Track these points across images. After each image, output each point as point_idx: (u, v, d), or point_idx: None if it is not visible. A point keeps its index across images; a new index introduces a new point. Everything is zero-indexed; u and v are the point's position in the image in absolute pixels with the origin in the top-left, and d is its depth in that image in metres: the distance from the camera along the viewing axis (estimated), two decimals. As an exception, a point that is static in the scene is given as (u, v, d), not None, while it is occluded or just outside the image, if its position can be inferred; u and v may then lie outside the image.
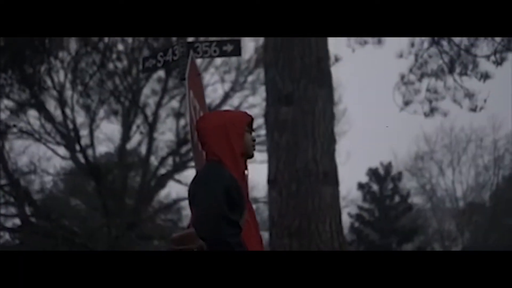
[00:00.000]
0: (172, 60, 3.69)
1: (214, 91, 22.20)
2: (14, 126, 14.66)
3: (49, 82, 17.07)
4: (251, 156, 3.42)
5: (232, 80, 20.87)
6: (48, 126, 19.37)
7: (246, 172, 3.36)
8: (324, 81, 7.54)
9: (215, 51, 3.75)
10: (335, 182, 7.42)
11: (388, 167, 27.35)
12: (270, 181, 7.42)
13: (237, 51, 3.82)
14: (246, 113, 3.44)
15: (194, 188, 3.20)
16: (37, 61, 13.25)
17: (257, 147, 3.53)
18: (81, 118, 19.50)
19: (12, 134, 16.42)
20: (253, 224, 3.34)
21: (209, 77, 20.55)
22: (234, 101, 21.06)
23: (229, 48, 3.76)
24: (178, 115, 20.51)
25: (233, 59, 19.63)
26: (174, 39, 3.74)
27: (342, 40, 13.33)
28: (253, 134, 3.42)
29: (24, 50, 12.59)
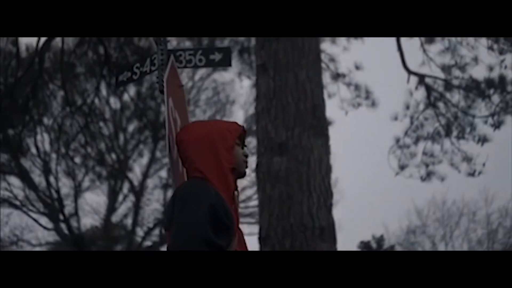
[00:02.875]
0: (150, 70, 3.14)
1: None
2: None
3: (32, 147, 16.59)
4: (243, 174, 2.81)
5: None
6: (29, 193, 18.78)
7: (236, 193, 2.77)
8: (320, 129, 7.02)
9: (200, 60, 3.20)
10: (333, 239, 6.80)
11: (380, 241, 26.69)
12: (262, 238, 6.78)
13: (226, 61, 3.27)
14: (237, 123, 2.86)
15: (170, 207, 2.60)
16: (18, 122, 12.72)
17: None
18: (66, 188, 18.96)
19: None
20: (244, 256, 2.72)
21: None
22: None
23: (217, 57, 3.22)
24: (165, 186, 19.99)
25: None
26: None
27: (335, 102, 12.97)
28: (245, 149, 2.84)
29: (4, 111, 12.07)
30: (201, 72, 20.53)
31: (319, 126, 7.03)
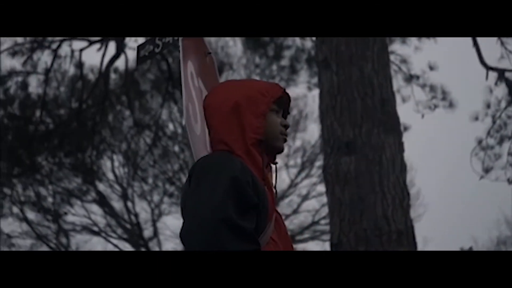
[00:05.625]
0: (173, 40, 2.71)
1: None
2: (65, 213, 13.94)
3: (106, 171, 16.53)
4: (278, 149, 2.29)
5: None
6: (108, 218, 18.75)
7: (270, 170, 2.28)
8: (391, 125, 6.45)
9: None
10: (412, 243, 6.19)
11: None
12: (334, 245, 6.25)
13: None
14: (277, 85, 2.32)
15: (186, 186, 2.14)
16: (87, 145, 12.62)
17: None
18: (144, 213, 18.80)
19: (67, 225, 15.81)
20: (285, 248, 2.22)
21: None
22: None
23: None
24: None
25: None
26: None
27: (410, 105, 12.33)
28: (284, 119, 2.35)
29: (73, 134, 11.98)
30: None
31: (390, 122, 6.47)
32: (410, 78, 12.19)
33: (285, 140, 2.30)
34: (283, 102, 2.33)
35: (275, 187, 2.29)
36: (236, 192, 2.00)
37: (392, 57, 11.93)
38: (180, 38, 2.46)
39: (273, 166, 2.32)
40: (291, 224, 20.20)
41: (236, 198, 1.99)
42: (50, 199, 15.69)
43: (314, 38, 8.27)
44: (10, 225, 16.45)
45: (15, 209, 16.10)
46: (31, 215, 16.40)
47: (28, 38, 10.45)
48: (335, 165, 6.37)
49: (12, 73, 10.76)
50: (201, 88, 2.46)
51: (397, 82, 11.99)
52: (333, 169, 6.37)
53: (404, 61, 12.24)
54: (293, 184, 20.03)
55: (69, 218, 17.13)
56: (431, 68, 12.19)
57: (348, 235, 6.13)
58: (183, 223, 2.01)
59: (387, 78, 6.69)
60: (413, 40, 12.19)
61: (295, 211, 20.22)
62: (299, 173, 19.88)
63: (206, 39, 2.78)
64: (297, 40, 12.59)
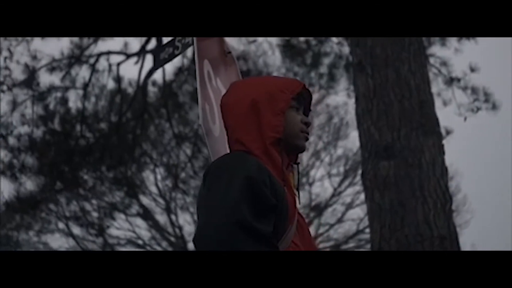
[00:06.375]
0: (192, 41, 2.63)
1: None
2: (108, 227, 14.00)
3: (149, 184, 16.58)
4: (299, 148, 2.17)
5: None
6: (153, 232, 18.79)
7: (290, 170, 2.17)
8: (430, 127, 6.28)
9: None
10: (456, 249, 6.00)
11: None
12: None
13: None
14: (295, 80, 2.21)
15: (202, 187, 2.04)
16: (128, 159, 12.66)
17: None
18: (188, 225, 18.80)
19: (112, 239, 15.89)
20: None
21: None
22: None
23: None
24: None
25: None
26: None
27: (451, 109, 12.07)
28: (305, 116, 2.23)
29: (113, 148, 12.02)
30: (313, 97, 20.08)
31: (429, 124, 6.29)
32: (450, 81, 11.93)
33: (307, 139, 2.19)
34: (304, 99, 2.22)
35: (297, 189, 2.17)
36: (251, 192, 1.89)
37: (431, 60, 11.73)
38: (195, 38, 2.37)
39: (295, 166, 2.20)
40: (336, 233, 20.00)
41: (252, 199, 1.88)
42: (94, 214, 15.84)
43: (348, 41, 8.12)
44: (57, 241, 16.63)
45: (61, 225, 16.28)
46: (76, 230, 16.56)
47: (65, 54, 10.55)
48: (373, 170, 6.22)
49: (51, 88, 10.86)
50: (220, 88, 2.37)
51: (438, 85, 11.76)
52: (372, 175, 6.22)
53: (444, 63, 11.98)
54: (336, 193, 19.85)
55: (114, 232, 17.23)
56: (472, 69, 11.91)
57: (389, 241, 5.97)
58: (196, 227, 1.91)
59: (425, 79, 6.51)
60: (453, 42, 11.94)
61: (339, 220, 20.03)
62: (341, 181, 19.69)
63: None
64: (335, 46, 12.46)
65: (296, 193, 2.14)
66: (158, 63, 2.75)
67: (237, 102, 2.12)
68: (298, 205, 2.08)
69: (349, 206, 19.76)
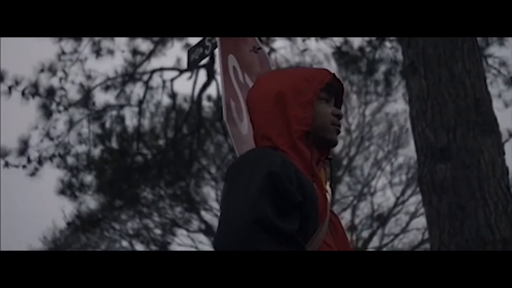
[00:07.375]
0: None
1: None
2: (169, 243, 14.04)
3: (210, 201, 16.60)
4: (330, 141, 2.03)
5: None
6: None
7: (321, 166, 2.04)
8: (488, 127, 6.03)
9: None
10: (521, 252, 5.74)
11: None
12: (434, 258, 5.87)
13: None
14: (323, 69, 2.07)
15: (224, 183, 1.93)
16: (185, 174, 12.69)
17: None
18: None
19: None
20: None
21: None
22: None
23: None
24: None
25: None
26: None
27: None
28: (336, 107, 2.10)
29: (171, 164, 12.06)
30: (371, 106, 19.89)
31: (486, 123, 6.05)
32: (511, 81, 11.57)
33: (339, 132, 2.06)
34: (334, 89, 2.09)
35: (330, 185, 2.04)
36: (274, 188, 1.76)
37: (490, 61, 11.40)
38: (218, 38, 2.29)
39: (327, 162, 2.08)
40: (401, 243, 19.62)
41: (274, 196, 1.75)
42: (156, 231, 15.91)
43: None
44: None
45: (124, 243, 16.42)
46: (139, 247, 16.67)
47: (119, 72, 10.65)
48: (430, 174, 6.01)
49: (106, 107, 10.98)
50: (248, 83, 2.27)
51: (498, 86, 11.42)
52: (428, 178, 6.01)
53: (503, 63, 11.63)
54: (399, 202, 19.49)
55: (176, 247, 17.28)
56: (534, 68, 11.54)
57: (449, 247, 5.74)
58: (217, 230, 1.80)
59: (480, 77, 6.28)
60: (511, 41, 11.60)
61: (404, 230, 19.65)
62: (404, 190, 19.32)
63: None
64: (389, 52, 12.25)
65: (329, 190, 2.01)
66: (192, 65, 2.68)
67: (263, 96, 2.01)
68: (329, 203, 1.95)
69: (413, 215, 19.36)
